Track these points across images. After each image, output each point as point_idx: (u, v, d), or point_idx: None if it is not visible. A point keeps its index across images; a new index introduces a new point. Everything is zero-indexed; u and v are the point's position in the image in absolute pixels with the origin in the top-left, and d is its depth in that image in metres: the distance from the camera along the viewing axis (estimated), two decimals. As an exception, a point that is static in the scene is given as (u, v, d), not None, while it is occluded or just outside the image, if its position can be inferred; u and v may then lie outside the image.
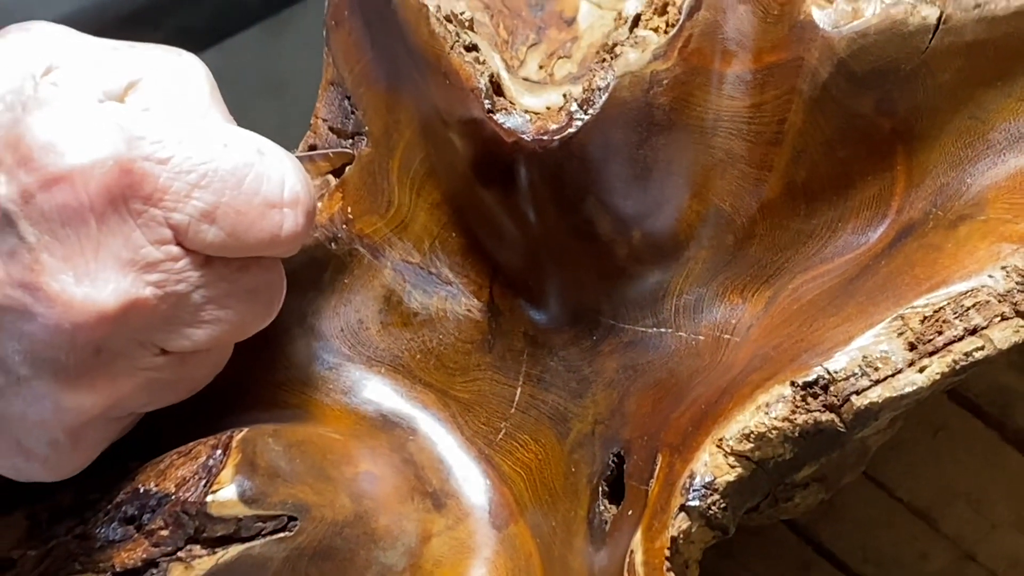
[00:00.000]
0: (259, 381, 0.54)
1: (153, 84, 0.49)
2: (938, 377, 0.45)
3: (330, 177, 0.57)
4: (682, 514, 0.47)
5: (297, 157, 0.51)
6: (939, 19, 0.49)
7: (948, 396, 0.60)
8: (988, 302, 0.45)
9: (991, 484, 0.60)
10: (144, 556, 0.50)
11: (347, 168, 0.57)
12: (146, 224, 0.47)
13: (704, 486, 0.47)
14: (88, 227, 0.46)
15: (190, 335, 0.49)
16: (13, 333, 0.46)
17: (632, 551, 0.48)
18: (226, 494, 0.50)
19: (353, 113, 0.57)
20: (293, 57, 0.90)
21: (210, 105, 0.50)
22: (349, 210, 0.56)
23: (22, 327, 0.46)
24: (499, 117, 0.52)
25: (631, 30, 0.53)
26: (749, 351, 0.51)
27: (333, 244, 0.56)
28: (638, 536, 0.48)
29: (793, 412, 0.46)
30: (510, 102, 0.53)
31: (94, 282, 0.46)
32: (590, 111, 0.52)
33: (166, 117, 0.48)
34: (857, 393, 0.46)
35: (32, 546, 0.51)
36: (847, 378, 0.46)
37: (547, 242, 0.54)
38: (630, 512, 0.50)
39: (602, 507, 0.53)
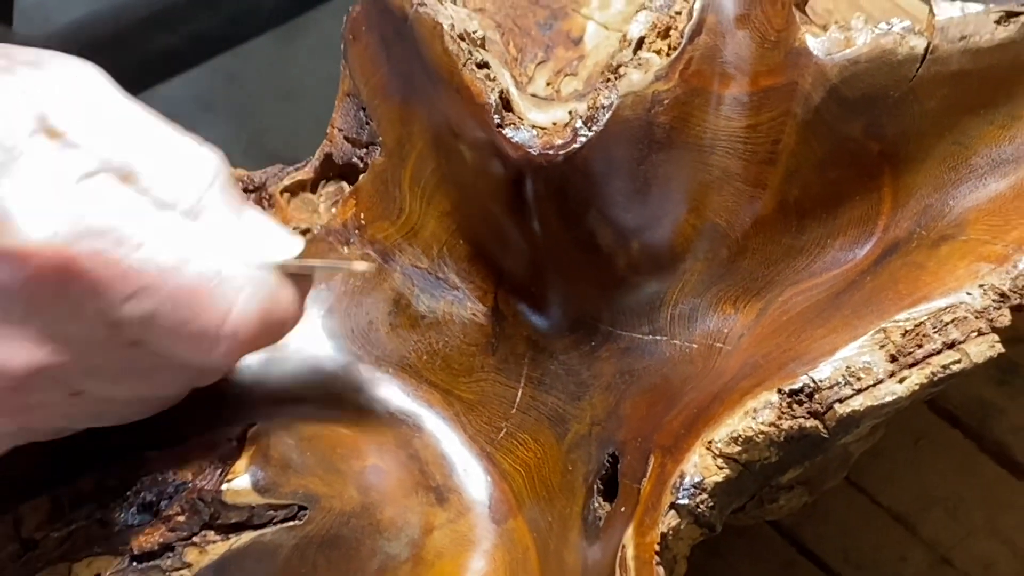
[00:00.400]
0: (274, 376, 0.54)
1: (160, 171, 0.46)
2: (917, 388, 0.45)
3: (344, 184, 0.57)
4: (672, 512, 0.47)
5: (290, 264, 0.49)
6: (926, 49, 0.49)
7: (929, 407, 0.60)
8: (966, 318, 0.45)
9: (967, 492, 0.59)
10: (161, 540, 0.50)
11: (361, 176, 0.56)
12: (76, 309, 0.45)
13: (693, 486, 0.47)
14: (15, 303, 0.44)
15: (109, 388, 0.48)
16: None
17: (624, 546, 0.48)
18: (240, 483, 0.50)
19: (368, 124, 0.57)
20: (304, 63, 0.89)
21: (213, 204, 0.47)
22: (362, 216, 0.56)
23: None
24: (508, 132, 0.52)
25: (635, 52, 0.53)
26: (740, 359, 0.51)
27: (345, 248, 0.56)
28: (630, 532, 0.48)
29: (779, 418, 0.46)
30: (518, 117, 0.53)
31: (7, 346, 0.45)
32: (594, 128, 0.52)
33: (145, 210, 0.45)
34: (840, 401, 0.45)
35: (55, 528, 0.51)
36: (831, 387, 0.45)
37: (550, 251, 0.54)
38: (623, 509, 0.50)
39: (596, 504, 0.52)
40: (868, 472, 0.60)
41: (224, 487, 0.50)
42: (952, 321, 0.45)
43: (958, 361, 0.45)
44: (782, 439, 0.46)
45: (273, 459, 0.51)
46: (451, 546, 0.53)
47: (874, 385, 0.45)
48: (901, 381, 0.45)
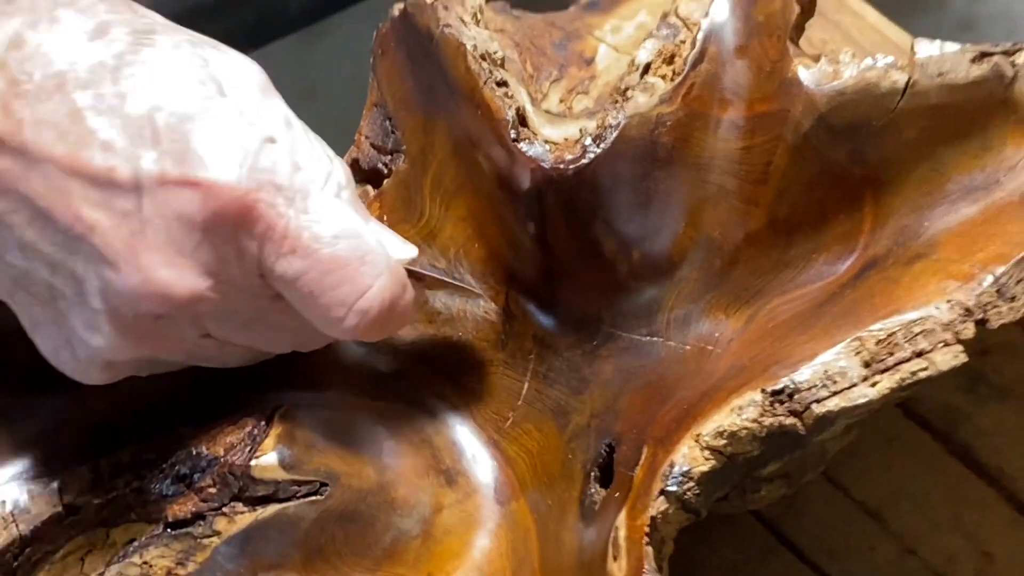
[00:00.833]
0: (301, 363, 0.54)
1: (311, 162, 0.49)
2: (887, 392, 0.46)
3: (369, 188, 0.58)
4: (661, 497, 0.48)
5: (411, 271, 0.51)
6: (907, 83, 0.49)
7: (903, 412, 0.61)
8: (934, 330, 0.46)
9: (934, 489, 0.60)
10: (193, 510, 0.51)
11: (385, 181, 0.57)
12: (241, 252, 0.47)
13: (682, 474, 0.48)
14: (193, 232, 0.46)
15: (234, 334, 0.50)
16: (97, 272, 0.47)
17: (617, 527, 0.49)
18: (268, 460, 0.51)
19: (393, 133, 0.57)
20: (327, 65, 0.87)
21: (350, 202, 0.50)
22: (385, 218, 0.57)
23: (105, 272, 0.46)
24: (523, 146, 0.53)
25: (642, 76, 0.54)
26: (728, 361, 0.52)
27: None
28: (623, 515, 0.49)
29: (762, 415, 0.47)
30: (533, 133, 0.54)
31: (177, 272, 0.46)
32: (602, 145, 0.53)
33: (311, 182, 0.48)
34: (817, 402, 0.47)
35: (95, 495, 0.52)
36: (809, 388, 0.47)
37: (559, 257, 0.55)
38: (617, 495, 0.51)
39: (593, 490, 0.53)
40: (844, 468, 0.61)
41: (253, 463, 0.51)
42: (921, 332, 0.46)
43: (925, 369, 0.46)
44: (764, 435, 0.48)
45: (298, 439, 0.52)
46: (458, 524, 0.54)
47: (848, 388, 0.47)
48: (873, 385, 0.47)
